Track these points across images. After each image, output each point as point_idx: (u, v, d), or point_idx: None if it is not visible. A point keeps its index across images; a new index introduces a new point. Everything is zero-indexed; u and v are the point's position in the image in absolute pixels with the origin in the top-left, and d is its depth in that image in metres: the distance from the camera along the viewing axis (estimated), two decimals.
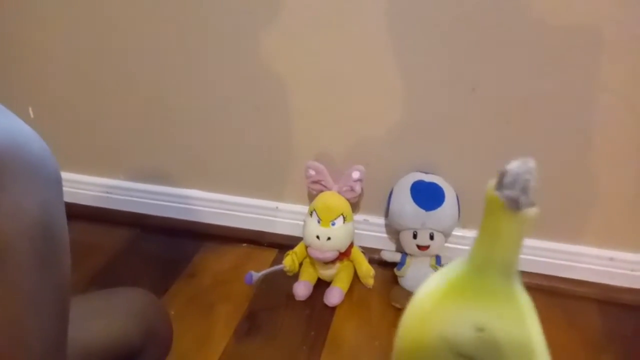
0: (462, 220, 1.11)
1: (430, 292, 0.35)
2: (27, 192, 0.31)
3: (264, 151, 1.18)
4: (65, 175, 1.31)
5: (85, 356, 0.65)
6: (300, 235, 1.11)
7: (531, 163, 0.40)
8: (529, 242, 1.13)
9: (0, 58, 1.22)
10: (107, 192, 1.33)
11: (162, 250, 1.26)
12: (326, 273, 1.12)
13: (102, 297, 0.73)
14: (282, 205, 1.24)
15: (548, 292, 1.13)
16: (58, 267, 0.34)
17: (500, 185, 0.40)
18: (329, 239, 1.04)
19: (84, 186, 1.33)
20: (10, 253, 0.30)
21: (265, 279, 1.10)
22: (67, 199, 1.29)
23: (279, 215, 1.25)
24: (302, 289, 1.09)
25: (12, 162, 0.31)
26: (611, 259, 1.11)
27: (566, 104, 0.99)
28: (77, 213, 1.31)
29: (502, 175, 0.41)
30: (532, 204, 0.39)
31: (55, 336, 0.34)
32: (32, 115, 1.25)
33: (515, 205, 0.39)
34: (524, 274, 1.12)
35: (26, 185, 0.31)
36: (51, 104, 1.25)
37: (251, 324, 1.04)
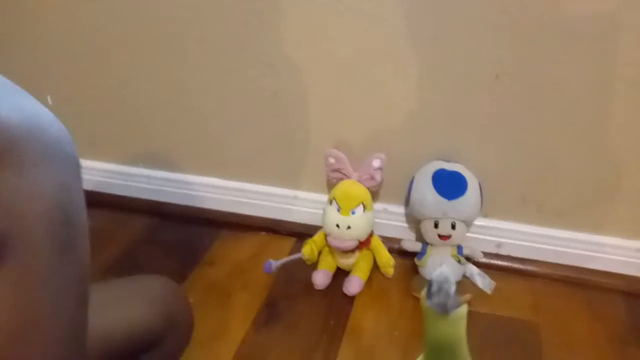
0: (484, 209, 1.09)
1: None
2: (45, 175, 0.30)
3: (283, 138, 1.17)
4: (83, 162, 1.31)
5: (106, 343, 0.64)
6: (319, 224, 1.09)
7: (446, 271, 0.48)
8: (553, 232, 1.11)
9: (19, 45, 1.22)
10: (126, 180, 1.33)
11: (180, 238, 1.26)
12: (345, 262, 1.11)
13: (123, 284, 0.73)
14: (300, 194, 1.23)
15: (572, 283, 1.11)
16: (76, 251, 0.33)
17: (429, 295, 0.48)
18: (348, 227, 1.02)
19: (102, 174, 1.33)
20: (27, 236, 0.29)
21: (284, 267, 1.09)
22: (86, 186, 1.30)
23: (297, 203, 1.23)
24: (321, 278, 1.08)
25: (30, 144, 0.30)
26: (638, 249, 1.08)
27: (592, 90, 0.96)
28: (96, 201, 1.31)
29: (429, 285, 0.49)
30: (458, 304, 0.47)
31: (74, 322, 0.33)
32: (50, 103, 1.25)
33: (444, 309, 0.47)
34: (548, 265, 1.11)
35: (44, 168, 0.30)
36: (70, 92, 1.25)
37: (270, 312, 1.03)
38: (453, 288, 0.47)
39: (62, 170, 0.32)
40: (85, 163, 1.32)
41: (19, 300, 0.30)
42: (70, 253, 0.33)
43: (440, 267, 0.45)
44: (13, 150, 0.29)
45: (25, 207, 0.29)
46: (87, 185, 1.32)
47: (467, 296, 0.48)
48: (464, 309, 0.47)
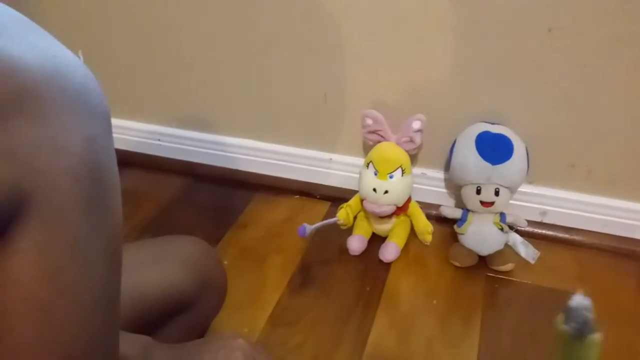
0: (530, 175, 1.04)
1: None
2: (71, 127, 0.27)
3: (317, 98, 1.12)
4: (115, 121, 1.30)
5: (139, 304, 0.64)
6: (354, 188, 1.06)
7: (587, 301, 0.50)
8: (602, 200, 1.05)
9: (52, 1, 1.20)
10: (159, 140, 1.31)
11: (213, 200, 1.24)
12: (381, 228, 1.07)
13: (157, 245, 0.71)
14: (336, 157, 1.19)
15: (620, 254, 1.06)
16: (107, 211, 0.30)
17: (566, 320, 0.51)
18: (386, 192, 0.99)
19: (135, 133, 1.32)
20: (52, 194, 0.27)
21: (318, 232, 1.07)
22: (118, 145, 1.30)
23: (332, 167, 1.20)
24: (356, 244, 1.06)
25: (51, 90, 0.27)
26: None
27: None
28: (130, 161, 1.31)
29: (567, 311, 0.52)
30: (594, 330, 0.50)
31: (105, 287, 0.31)
32: (82, 59, 1.23)
33: (580, 334, 0.49)
34: (595, 234, 1.06)
35: (68, 118, 0.27)
36: (102, 48, 1.23)
37: (305, 276, 1.02)
38: (591, 315, 0.50)
39: (88, 121, 0.29)
40: (119, 122, 1.31)
41: (46, 264, 0.28)
42: (100, 212, 0.30)
43: (582, 298, 0.51)
44: (31, 96, 0.26)
45: (48, 162, 0.26)
46: (121, 145, 1.31)
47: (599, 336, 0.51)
48: (598, 336, 0.51)
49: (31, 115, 0.25)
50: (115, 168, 0.32)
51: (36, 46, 0.27)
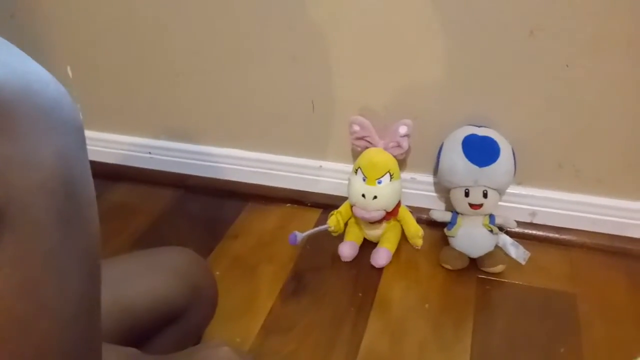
0: (518, 176, 1.04)
1: None
2: (44, 142, 0.27)
3: (305, 106, 1.13)
4: (105, 135, 1.30)
5: (129, 315, 0.64)
6: (345, 195, 1.07)
7: None
8: (591, 199, 1.06)
9: (39, 16, 1.20)
10: (149, 153, 1.32)
11: (205, 211, 1.24)
12: (372, 233, 1.08)
13: (146, 256, 0.72)
14: (325, 164, 1.20)
15: (611, 252, 1.06)
16: (82, 224, 0.31)
17: None
18: (375, 197, 0.99)
19: (125, 146, 1.32)
20: (25, 210, 0.27)
21: (310, 239, 1.07)
22: (108, 159, 1.30)
23: (322, 174, 1.20)
24: (347, 250, 1.06)
25: (22, 107, 0.27)
26: None
27: (634, 46, 0.89)
28: (121, 174, 1.31)
29: None
30: None
31: (83, 299, 0.31)
32: (70, 75, 1.23)
33: None
34: (585, 233, 1.06)
35: (40, 134, 0.27)
36: (90, 63, 1.23)
37: (297, 284, 1.02)
38: None
39: (61, 136, 0.29)
40: (108, 137, 1.31)
41: (21, 279, 0.28)
42: (75, 226, 0.30)
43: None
44: (2, 114, 0.26)
45: (20, 177, 0.27)
46: (112, 159, 1.31)
47: None
48: None
49: (2, 132, 0.26)
50: (90, 181, 0.33)
51: (6, 63, 0.27)
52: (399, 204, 1.05)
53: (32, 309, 0.28)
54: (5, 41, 0.29)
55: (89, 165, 0.32)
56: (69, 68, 1.23)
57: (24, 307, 0.27)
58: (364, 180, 1.00)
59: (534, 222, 1.10)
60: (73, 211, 0.30)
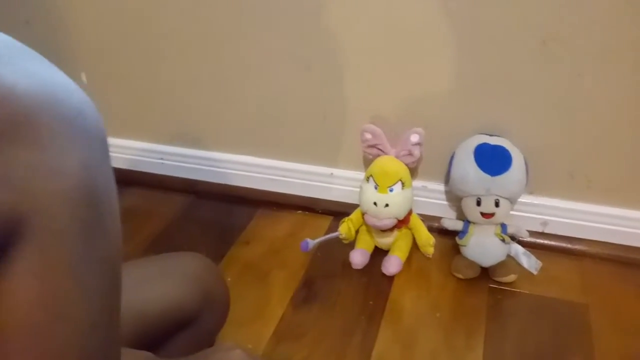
0: (530, 185, 1.04)
1: None
2: (67, 151, 0.28)
3: (317, 114, 1.14)
4: (118, 141, 1.31)
5: (140, 321, 0.64)
6: (356, 202, 1.07)
7: None
8: (603, 209, 1.05)
9: (54, 23, 1.22)
10: (161, 158, 1.33)
11: (216, 217, 1.25)
12: (383, 241, 1.08)
13: (159, 261, 0.72)
14: (337, 171, 1.20)
15: (623, 263, 1.06)
16: (104, 234, 0.31)
17: None
18: (386, 205, 0.99)
19: (137, 152, 1.33)
20: (49, 219, 0.27)
21: (321, 246, 1.07)
22: (120, 165, 1.31)
23: (334, 181, 1.21)
24: (358, 257, 1.06)
25: (47, 116, 0.27)
26: None
27: None
28: (132, 180, 1.32)
29: None
30: None
31: (104, 310, 0.31)
32: (85, 81, 1.25)
33: None
34: (597, 243, 1.06)
35: (64, 143, 0.28)
36: (104, 70, 1.25)
37: (308, 292, 1.02)
38: None
39: (85, 145, 0.29)
40: (121, 142, 1.32)
41: (42, 289, 0.28)
42: (98, 235, 0.31)
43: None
44: (26, 123, 0.26)
45: (44, 186, 0.27)
46: (124, 164, 1.32)
47: None
48: None
49: (27, 141, 0.26)
50: (114, 190, 0.33)
51: (31, 72, 0.28)
52: (410, 212, 1.05)
53: (53, 317, 0.28)
54: (30, 50, 0.29)
55: (112, 175, 0.32)
56: (83, 74, 1.24)
57: (46, 316, 0.28)
58: (376, 188, 1.01)
59: (546, 231, 1.10)
60: (96, 221, 0.30)
